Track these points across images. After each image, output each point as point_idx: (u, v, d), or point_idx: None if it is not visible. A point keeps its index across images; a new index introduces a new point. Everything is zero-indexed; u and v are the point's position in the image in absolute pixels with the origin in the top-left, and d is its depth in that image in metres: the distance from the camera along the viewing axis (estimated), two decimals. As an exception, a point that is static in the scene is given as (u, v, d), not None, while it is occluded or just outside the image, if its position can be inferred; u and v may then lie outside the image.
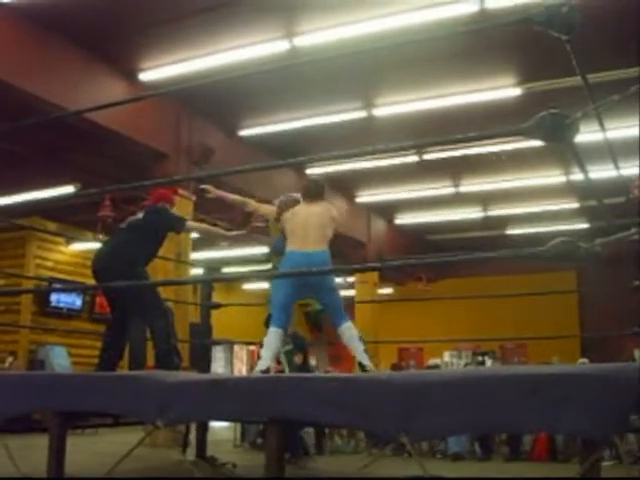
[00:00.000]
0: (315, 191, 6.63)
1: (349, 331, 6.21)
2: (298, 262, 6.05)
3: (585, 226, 17.48)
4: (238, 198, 7.78)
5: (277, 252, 6.99)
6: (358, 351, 6.11)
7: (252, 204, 7.60)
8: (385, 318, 18.63)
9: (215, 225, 16.18)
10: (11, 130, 9.01)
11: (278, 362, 7.22)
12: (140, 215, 6.83)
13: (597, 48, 7.40)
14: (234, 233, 7.52)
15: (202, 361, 8.64)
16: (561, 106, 2.89)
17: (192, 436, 8.29)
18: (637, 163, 6.33)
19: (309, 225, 6.30)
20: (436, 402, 2.88)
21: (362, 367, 6.02)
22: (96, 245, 7.44)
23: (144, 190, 10.83)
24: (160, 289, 11.23)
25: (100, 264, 6.50)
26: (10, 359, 14.56)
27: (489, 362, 16.05)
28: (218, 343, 10.14)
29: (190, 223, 7.19)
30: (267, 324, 6.96)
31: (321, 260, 6.17)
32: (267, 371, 5.88)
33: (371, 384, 3.12)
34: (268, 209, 7.42)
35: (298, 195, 6.92)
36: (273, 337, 6.09)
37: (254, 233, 7.23)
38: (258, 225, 7.02)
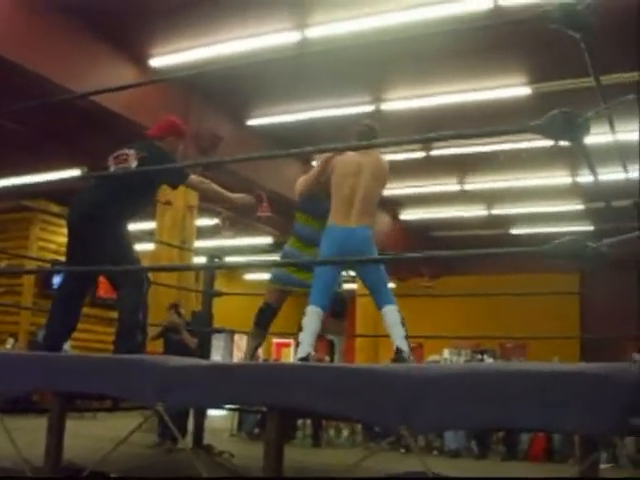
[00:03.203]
0: (367, 135, 5.99)
1: (393, 314, 5.65)
2: (341, 239, 5.60)
3: (590, 228, 17.48)
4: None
5: (307, 242, 6.40)
6: (399, 336, 5.54)
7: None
8: (386, 313, 18.65)
9: (220, 214, 16.24)
10: (19, 111, 9.00)
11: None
12: (134, 161, 5.74)
13: (610, 50, 7.37)
14: (240, 196, 6.68)
15: (202, 349, 8.65)
16: (572, 107, 2.88)
17: (189, 424, 8.31)
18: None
19: (355, 193, 5.74)
20: (439, 395, 2.88)
21: (399, 355, 5.48)
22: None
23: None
24: (163, 277, 11.30)
25: (77, 218, 5.70)
26: (11, 341, 14.60)
27: (489, 361, 16.05)
28: (219, 331, 10.15)
29: (194, 178, 6.05)
30: (260, 315, 6.64)
31: (364, 238, 5.73)
32: (307, 359, 5.30)
33: (374, 375, 3.12)
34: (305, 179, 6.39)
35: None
36: (314, 318, 5.49)
37: (260, 222, 6.77)
38: (265, 215, 6.56)
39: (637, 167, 5.78)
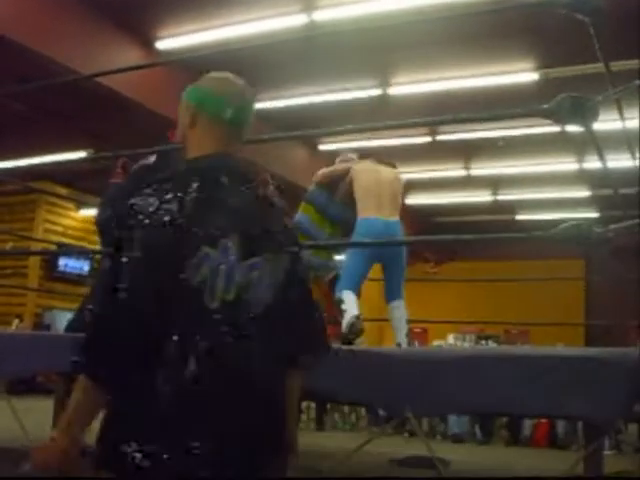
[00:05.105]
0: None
1: (400, 310, 5.97)
2: (380, 231, 5.79)
3: (595, 215, 17.42)
4: None
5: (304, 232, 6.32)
6: (401, 332, 5.86)
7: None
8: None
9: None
10: (25, 93, 8.99)
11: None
12: (152, 159, 5.84)
13: (619, 36, 7.33)
14: None
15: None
16: (580, 93, 2.87)
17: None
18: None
19: (384, 189, 6.05)
20: (442, 379, 2.88)
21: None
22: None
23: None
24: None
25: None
26: (16, 322, 14.64)
27: (493, 346, 16.07)
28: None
29: None
30: None
31: (399, 232, 6.03)
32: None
33: (378, 359, 3.12)
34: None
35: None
36: (350, 296, 5.75)
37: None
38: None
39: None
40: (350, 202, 6.18)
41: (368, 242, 5.86)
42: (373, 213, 5.88)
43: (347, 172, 6.28)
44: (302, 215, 6.51)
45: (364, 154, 6.65)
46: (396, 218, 6.03)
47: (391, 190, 6.09)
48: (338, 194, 6.38)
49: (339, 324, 6.01)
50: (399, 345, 5.78)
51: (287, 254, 2.17)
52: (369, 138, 13.95)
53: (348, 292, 5.75)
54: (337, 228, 6.52)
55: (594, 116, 2.81)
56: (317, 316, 2.33)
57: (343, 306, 5.67)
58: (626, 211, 5.12)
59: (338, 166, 6.52)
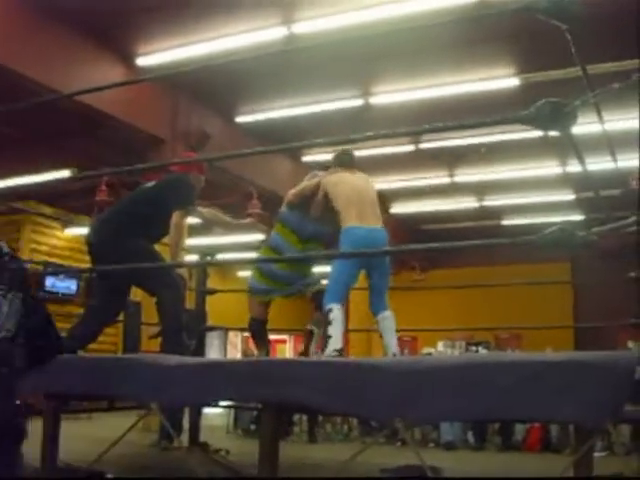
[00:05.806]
0: (352, 159, 6.40)
1: (389, 320, 5.95)
2: (365, 239, 5.76)
3: (580, 218, 17.48)
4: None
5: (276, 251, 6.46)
6: (392, 343, 5.85)
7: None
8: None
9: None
10: (5, 113, 8.95)
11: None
12: (152, 182, 6.03)
13: (597, 39, 7.36)
14: (242, 222, 7.02)
15: (196, 347, 8.63)
16: (561, 97, 2.89)
17: (185, 421, 8.30)
18: (636, 155, 6.32)
19: (364, 197, 6.02)
20: (432, 388, 2.88)
21: None
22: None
23: (141, 174, 10.82)
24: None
25: (93, 237, 5.79)
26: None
27: (483, 352, 16.05)
28: (213, 329, 10.10)
29: (200, 208, 6.36)
30: (252, 330, 6.79)
31: (385, 239, 6.00)
32: (341, 351, 5.53)
33: (367, 369, 3.12)
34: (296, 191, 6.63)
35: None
36: (339, 313, 5.67)
37: (256, 220, 6.86)
38: (258, 212, 6.66)
39: (626, 156, 5.80)
40: (327, 215, 6.18)
41: (355, 252, 5.88)
42: (356, 222, 5.85)
43: (318, 187, 6.27)
44: (276, 235, 6.54)
45: (327, 164, 6.63)
46: (380, 225, 6.02)
47: (369, 198, 6.07)
48: (313, 210, 6.36)
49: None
50: (395, 356, 5.77)
51: (21, 292, 2.95)
52: (352, 148, 13.97)
53: (338, 308, 5.70)
54: (317, 243, 6.53)
55: (572, 121, 2.83)
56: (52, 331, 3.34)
57: (330, 329, 5.61)
58: (609, 213, 5.15)
59: (307, 183, 6.49)
